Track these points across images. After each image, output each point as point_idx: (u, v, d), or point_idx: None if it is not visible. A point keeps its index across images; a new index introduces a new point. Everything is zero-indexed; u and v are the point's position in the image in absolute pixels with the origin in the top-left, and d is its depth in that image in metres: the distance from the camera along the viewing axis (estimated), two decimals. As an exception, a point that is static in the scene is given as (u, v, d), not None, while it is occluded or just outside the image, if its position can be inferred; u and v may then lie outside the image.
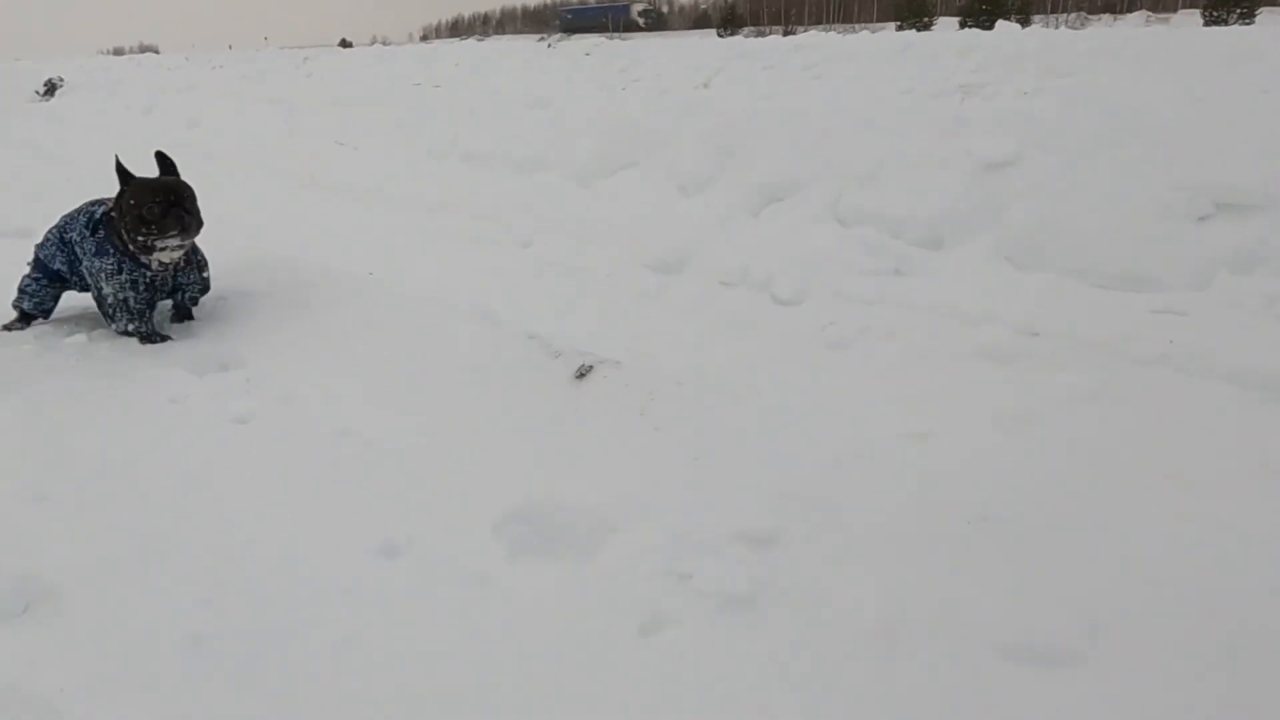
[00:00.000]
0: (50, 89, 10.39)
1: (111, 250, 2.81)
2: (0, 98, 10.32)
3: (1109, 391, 2.43)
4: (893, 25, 28.81)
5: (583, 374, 2.30)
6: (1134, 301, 2.72)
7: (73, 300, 3.18)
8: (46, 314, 3.08)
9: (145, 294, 2.86)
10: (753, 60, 7.25)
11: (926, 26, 27.85)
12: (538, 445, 2.00)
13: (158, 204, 2.73)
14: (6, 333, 2.99)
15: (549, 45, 8.28)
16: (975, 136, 3.34)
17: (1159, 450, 2.19)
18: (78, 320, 3.15)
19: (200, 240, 3.02)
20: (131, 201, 2.73)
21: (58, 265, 2.96)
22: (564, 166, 4.62)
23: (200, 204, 2.89)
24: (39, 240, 3.08)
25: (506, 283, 3.49)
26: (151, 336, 2.87)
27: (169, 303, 3.10)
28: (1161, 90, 4.06)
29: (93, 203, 3.02)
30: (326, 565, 1.63)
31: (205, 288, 3.13)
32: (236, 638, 1.44)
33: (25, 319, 3.06)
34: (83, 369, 2.63)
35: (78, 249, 2.89)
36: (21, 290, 3.02)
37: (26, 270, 3.04)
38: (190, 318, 3.12)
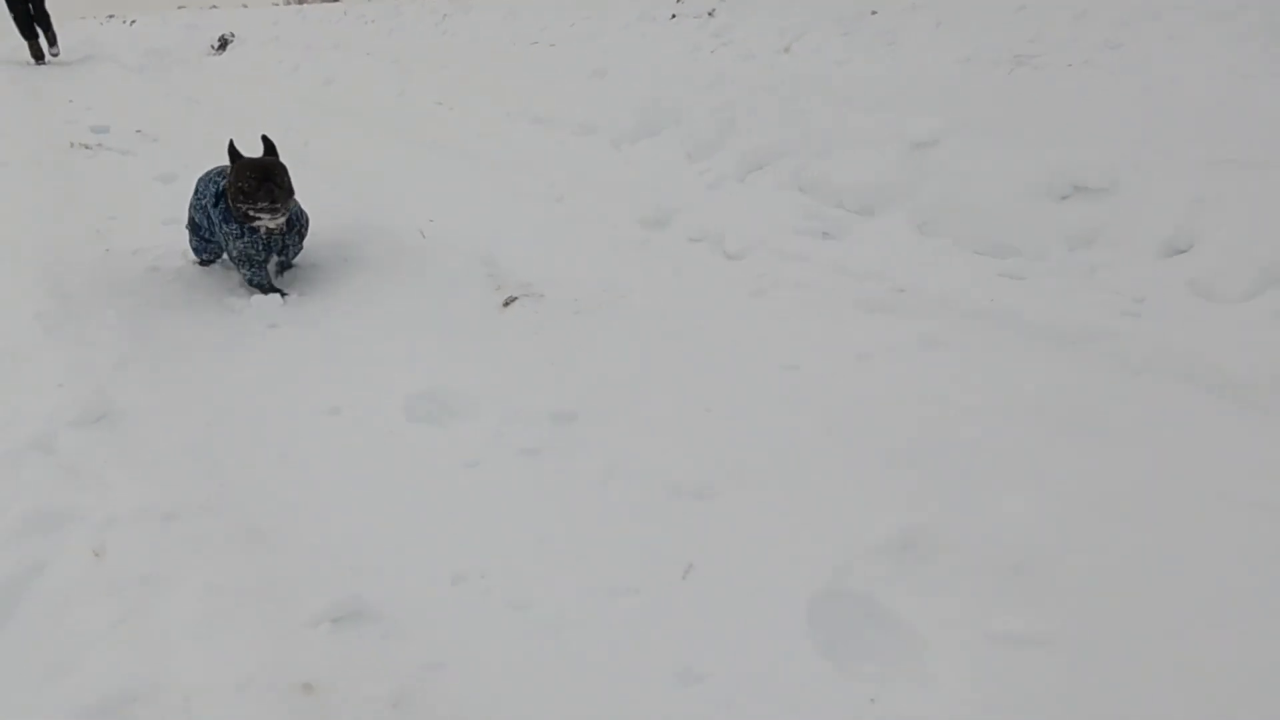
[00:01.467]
0: (223, 44, 12.10)
1: (233, 218, 3.46)
2: (182, 51, 12.11)
3: (939, 338, 3.13)
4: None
5: (508, 303, 3.24)
6: (991, 265, 3.39)
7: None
8: (217, 259, 3.92)
9: (263, 251, 3.56)
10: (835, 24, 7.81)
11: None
12: (451, 350, 2.98)
13: (253, 179, 3.33)
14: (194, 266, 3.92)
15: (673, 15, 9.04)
16: (910, 116, 4.00)
17: (956, 385, 2.89)
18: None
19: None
20: (234, 178, 3.38)
21: (205, 229, 3.72)
22: (609, 131, 5.51)
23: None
24: (189, 204, 3.85)
25: (523, 230, 4.43)
26: (266, 288, 3.61)
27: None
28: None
29: (218, 173, 3.68)
30: (295, 419, 2.65)
31: (299, 249, 3.80)
32: (236, 453, 2.49)
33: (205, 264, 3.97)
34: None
35: (211, 216, 3.57)
36: (192, 249, 3.88)
37: (188, 234, 3.86)
38: (289, 267, 3.84)
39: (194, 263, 3.92)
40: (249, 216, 3.38)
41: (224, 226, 3.48)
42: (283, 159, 3.53)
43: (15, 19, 11.69)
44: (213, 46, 12.13)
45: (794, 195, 4.22)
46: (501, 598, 1.92)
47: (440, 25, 12.19)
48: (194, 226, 3.75)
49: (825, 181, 4.13)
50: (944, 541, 1.98)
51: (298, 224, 3.65)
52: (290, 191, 3.46)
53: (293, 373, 2.90)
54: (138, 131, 7.02)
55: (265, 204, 3.33)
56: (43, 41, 11.79)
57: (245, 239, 3.46)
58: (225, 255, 3.73)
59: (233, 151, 3.44)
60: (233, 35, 12.11)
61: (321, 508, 2.22)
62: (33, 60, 11.84)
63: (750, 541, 2.05)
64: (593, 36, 9.87)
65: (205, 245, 3.79)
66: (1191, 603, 1.78)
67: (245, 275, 3.59)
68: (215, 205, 3.52)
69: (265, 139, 3.59)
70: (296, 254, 3.78)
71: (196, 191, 3.73)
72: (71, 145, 6.44)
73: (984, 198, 3.58)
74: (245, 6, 26.10)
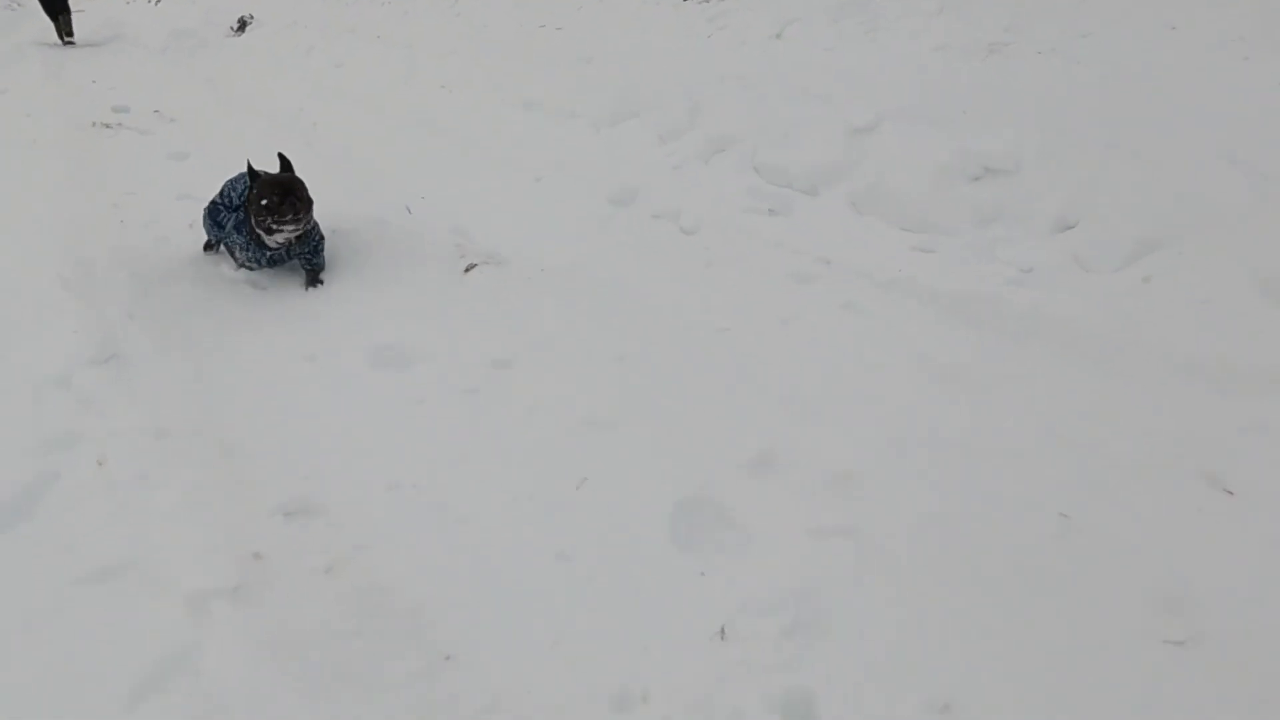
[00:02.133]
0: (242, 26, 12.65)
1: (245, 230, 3.71)
2: (203, 33, 12.67)
3: (855, 304, 3.56)
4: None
5: (469, 269, 3.71)
6: (909, 240, 3.81)
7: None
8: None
9: (264, 262, 3.83)
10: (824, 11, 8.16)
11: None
12: (414, 309, 3.46)
13: (276, 196, 3.58)
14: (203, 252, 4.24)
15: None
16: (846, 104, 4.42)
17: (863, 344, 3.32)
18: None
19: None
20: (257, 193, 3.62)
21: (219, 222, 3.95)
22: (590, 115, 5.95)
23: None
24: (212, 199, 4.07)
25: (500, 207, 4.89)
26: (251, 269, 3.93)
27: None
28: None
29: (239, 178, 3.88)
30: (274, 363, 3.15)
31: (315, 261, 3.89)
32: (221, 389, 2.99)
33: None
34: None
35: (226, 216, 3.91)
36: (208, 232, 4.13)
37: (204, 221, 4.08)
38: (319, 283, 3.87)
39: (205, 245, 4.21)
40: (270, 229, 3.61)
41: (235, 235, 3.76)
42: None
43: (41, 1, 12.34)
44: (232, 28, 12.68)
45: (749, 176, 4.65)
46: (426, 501, 2.39)
47: (454, 8, 12.65)
48: (213, 211, 3.96)
49: (777, 164, 4.55)
50: (791, 461, 2.43)
51: (310, 238, 3.81)
52: (309, 204, 3.69)
53: (275, 327, 3.40)
54: (156, 112, 7.56)
55: (290, 217, 3.57)
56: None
57: (249, 251, 3.75)
58: (230, 254, 4.01)
59: (252, 171, 3.68)
60: (252, 17, 12.65)
61: (287, 432, 2.71)
62: (59, 40, 12.46)
63: (638, 461, 2.51)
64: (597, 20, 10.28)
65: (217, 229, 3.94)
66: (960, 510, 2.22)
67: (238, 261, 3.92)
68: (234, 210, 3.78)
69: (281, 156, 3.86)
70: (317, 262, 3.90)
71: (222, 191, 3.95)
72: (93, 125, 6.99)
73: (909, 179, 3.99)
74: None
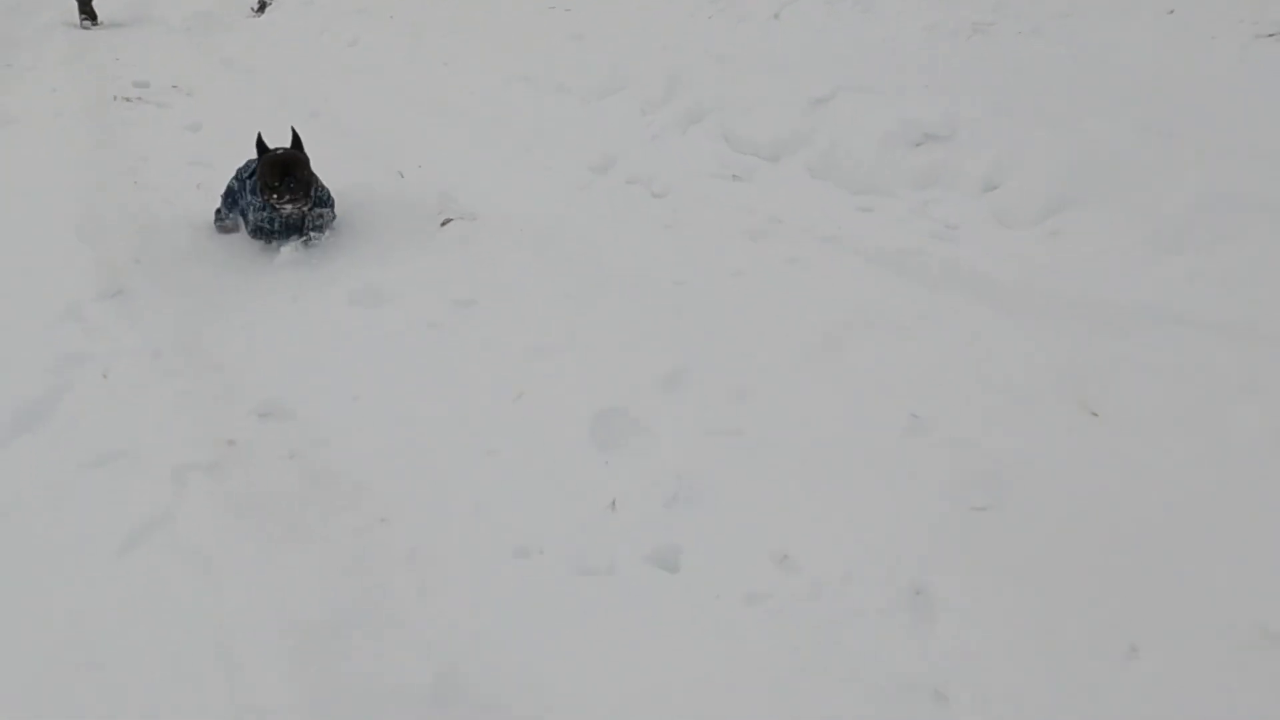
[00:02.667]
0: (262, 7, 13.14)
1: (259, 197, 3.92)
2: (224, 13, 13.18)
3: (799, 259, 3.92)
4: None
5: (444, 223, 4.13)
6: (854, 201, 4.17)
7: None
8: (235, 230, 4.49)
9: (278, 228, 4.05)
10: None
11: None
12: (393, 256, 3.87)
13: (276, 174, 3.78)
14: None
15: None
16: (807, 77, 4.78)
17: (801, 293, 3.69)
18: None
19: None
20: (260, 170, 3.86)
21: (237, 192, 4.22)
22: (580, 90, 6.34)
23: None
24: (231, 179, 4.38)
25: (488, 173, 5.28)
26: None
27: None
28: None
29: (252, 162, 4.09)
30: (261, 302, 3.57)
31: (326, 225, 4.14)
32: (212, 321, 3.41)
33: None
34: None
35: (246, 185, 4.16)
36: (219, 214, 4.42)
37: (219, 205, 4.37)
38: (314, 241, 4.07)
39: (215, 224, 4.37)
40: (273, 207, 3.85)
41: (252, 199, 3.98)
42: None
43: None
44: (252, 9, 13.16)
45: (719, 145, 5.02)
46: (382, 411, 2.81)
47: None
48: (229, 195, 4.22)
49: (745, 134, 4.92)
50: (697, 376, 2.83)
51: (319, 207, 4.02)
52: (308, 185, 3.88)
53: (265, 272, 3.83)
54: (174, 87, 8.04)
55: (287, 197, 3.80)
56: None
57: (264, 213, 3.95)
58: (242, 223, 4.19)
59: (260, 144, 3.91)
60: (272, -1, 13.15)
61: (269, 356, 3.13)
62: (79, 23, 12.98)
63: (568, 379, 2.91)
64: (604, 1, 10.65)
65: (230, 212, 4.22)
66: (833, 417, 2.60)
67: (248, 230, 4.10)
68: (249, 177, 4.05)
69: (293, 130, 4.05)
70: (322, 231, 4.11)
71: (240, 168, 4.21)
72: (114, 98, 7.48)
73: (859, 145, 4.35)
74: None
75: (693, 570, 2.10)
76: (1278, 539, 2.08)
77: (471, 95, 7.14)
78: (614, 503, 2.30)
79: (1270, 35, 4.93)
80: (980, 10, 7.53)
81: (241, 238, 4.17)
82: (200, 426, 2.66)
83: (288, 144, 4.00)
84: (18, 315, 3.36)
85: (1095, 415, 2.73)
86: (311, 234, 4.05)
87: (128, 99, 7.48)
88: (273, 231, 4.01)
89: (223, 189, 4.29)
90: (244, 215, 4.12)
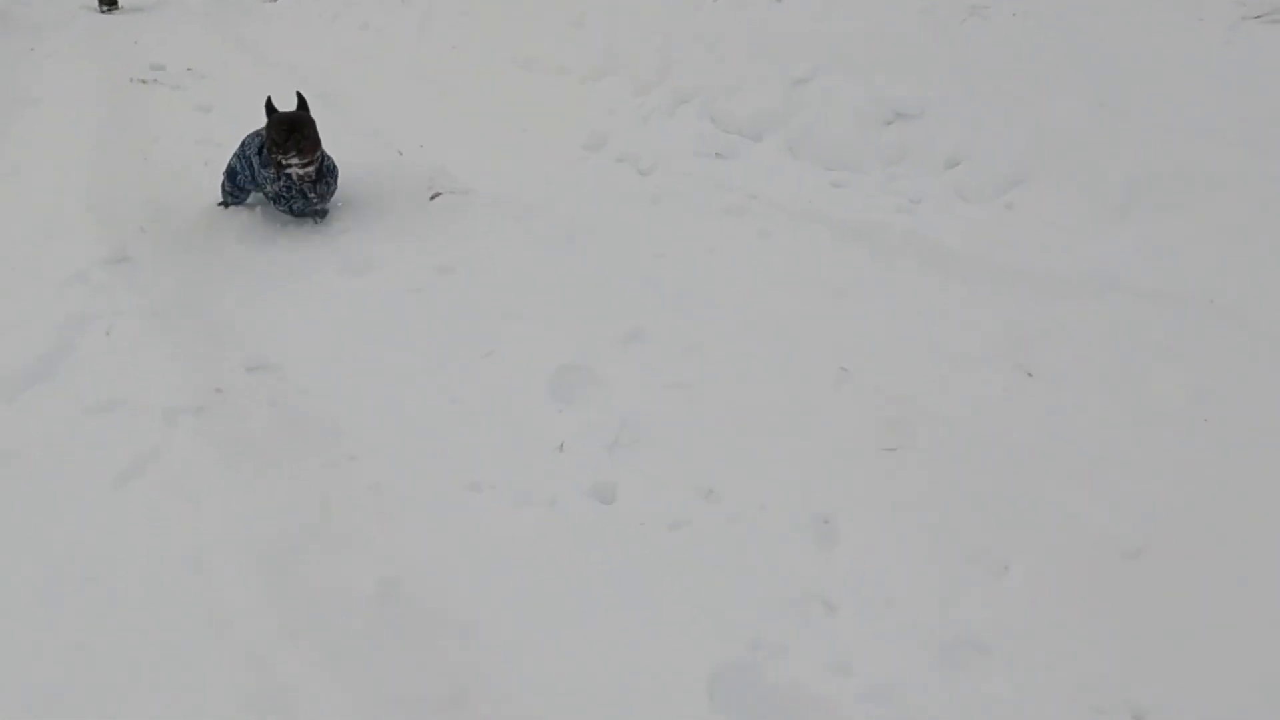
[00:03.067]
0: (278, -9, 13.44)
1: (271, 165, 4.02)
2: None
3: (770, 233, 4.14)
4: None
5: (434, 197, 4.37)
6: (827, 177, 4.37)
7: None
8: (240, 202, 4.66)
9: (296, 194, 4.18)
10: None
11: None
12: (383, 227, 4.13)
13: (283, 131, 3.89)
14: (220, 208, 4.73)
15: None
16: (790, 58, 4.98)
17: (772, 264, 3.90)
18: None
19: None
20: (268, 129, 3.96)
21: (243, 176, 4.25)
22: (578, 72, 6.56)
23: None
24: (231, 158, 4.46)
25: (484, 151, 5.52)
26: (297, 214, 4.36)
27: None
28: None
29: (259, 132, 4.22)
30: (256, 269, 3.83)
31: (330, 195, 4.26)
32: (208, 285, 3.68)
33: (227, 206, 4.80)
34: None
35: (254, 163, 4.17)
36: (223, 191, 4.56)
37: (223, 181, 4.54)
38: (323, 214, 4.30)
39: (218, 204, 4.53)
40: (280, 165, 3.93)
41: (264, 171, 4.08)
42: (312, 94, 4.55)
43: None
44: (268, -6, 13.48)
45: (705, 124, 5.23)
46: (359, 365, 3.06)
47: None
48: (230, 173, 4.32)
49: (729, 113, 5.12)
50: (655, 337, 3.06)
51: (327, 174, 4.15)
52: (316, 143, 3.97)
53: (263, 241, 4.09)
54: (189, 70, 8.34)
55: (294, 153, 3.89)
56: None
57: (280, 183, 4.05)
58: (263, 194, 4.32)
59: (269, 106, 3.98)
60: (289, -17, 13.43)
61: (259, 316, 3.40)
62: (100, 8, 13.33)
63: (534, 340, 3.15)
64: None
65: (236, 191, 4.36)
66: (776, 372, 2.82)
67: (278, 209, 4.25)
68: (258, 154, 4.13)
69: (299, 95, 4.16)
70: (327, 199, 4.24)
71: (242, 144, 4.29)
72: (130, 80, 7.78)
73: (835, 124, 4.55)
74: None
75: (626, 503, 2.33)
76: (1159, 478, 2.30)
77: (475, 77, 7.37)
78: (562, 445, 2.54)
79: (1258, 17, 5.09)
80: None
81: (243, 211, 4.44)
82: (192, 377, 2.92)
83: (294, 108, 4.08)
84: (31, 279, 3.65)
85: (1030, 375, 2.94)
86: (321, 206, 4.20)
87: (143, 81, 7.79)
88: (291, 199, 4.09)
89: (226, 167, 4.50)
90: (262, 190, 4.21)
